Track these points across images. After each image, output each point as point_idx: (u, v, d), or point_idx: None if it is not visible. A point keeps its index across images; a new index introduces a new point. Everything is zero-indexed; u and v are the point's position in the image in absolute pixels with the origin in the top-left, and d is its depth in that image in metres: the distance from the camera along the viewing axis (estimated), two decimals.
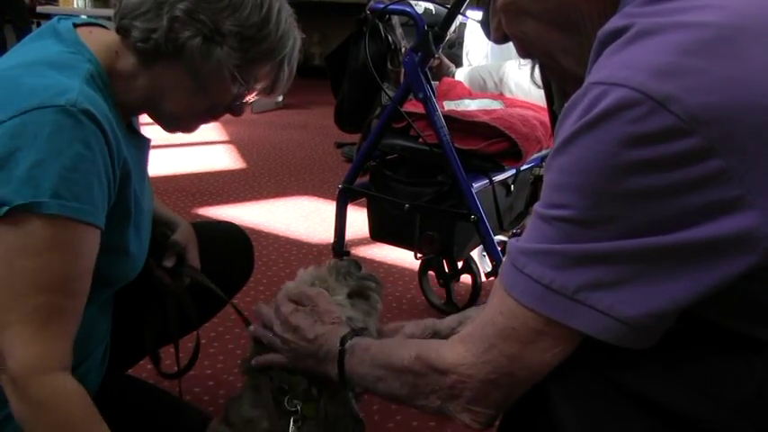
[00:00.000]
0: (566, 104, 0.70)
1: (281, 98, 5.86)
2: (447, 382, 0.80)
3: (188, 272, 1.33)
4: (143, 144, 1.18)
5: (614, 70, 0.65)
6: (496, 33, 0.86)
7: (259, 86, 1.12)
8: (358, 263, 1.23)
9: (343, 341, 0.98)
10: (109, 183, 0.99)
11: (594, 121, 0.65)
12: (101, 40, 1.06)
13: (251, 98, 1.14)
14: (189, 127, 1.15)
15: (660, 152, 0.62)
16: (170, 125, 1.15)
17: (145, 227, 1.17)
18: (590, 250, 0.67)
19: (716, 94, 0.61)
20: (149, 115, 1.14)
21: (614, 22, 0.70)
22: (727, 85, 0.62)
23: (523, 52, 0.86)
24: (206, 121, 1.15)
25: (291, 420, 1.10)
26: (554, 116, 1.85)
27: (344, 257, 1.22)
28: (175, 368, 1.42)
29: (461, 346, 0.80)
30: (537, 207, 0.72)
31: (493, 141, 1.85)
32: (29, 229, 0.92)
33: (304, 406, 1.11)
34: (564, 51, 0.80)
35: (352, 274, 1.20)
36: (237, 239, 1.54)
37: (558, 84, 1.05)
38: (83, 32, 1.06)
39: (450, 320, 1.16)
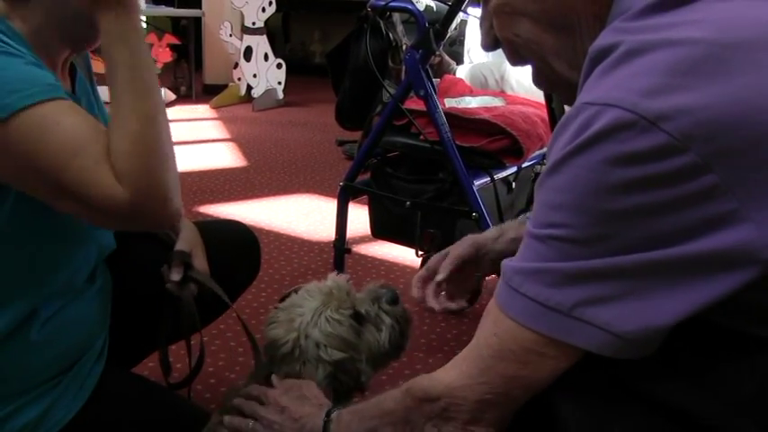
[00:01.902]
0: (558, 124, 0.70)
1: (281, 96, 5.87)
2: (442, 406, 0.80)
3: (197, 276, 1.31)
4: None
5: (606, 91, 0.65)
6: (487, 38, 0.85)
7: None
8: (397, 296, 1.21)
9: (328, 413, 0.99)
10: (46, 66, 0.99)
11: (588, 142, 0.65)
12: None
13: None
14: None
15: (654, 170, 0.62)
16: (91, 31, 1.06)
17: None
18: (586, 267, 0.67)
19: (707, 110, 0.61)
20: (72, 44, 1.10)
21: (604, 39, 0.70)
22: (719, 101, 0.62)
23: (514, 57, 0.84)
24: None
25: None
26: (553, 114, 1.85)
27: (385, 285, 1.21)
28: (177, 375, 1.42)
29: (455, 370, 0.80)
30: (530, 227, 0.72)
31: (494, 138, 1.84)
32: (12, 135, 0.91)
33: None
34: (556, 54, 0.80)
35: (379, 300, 1.18)
36: (245, 239, 1.53)
37: (550, 90, 1.05)
38: None
39: (489, 232, 1.20)
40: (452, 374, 0.80)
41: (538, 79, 0.87)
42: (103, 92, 1.29)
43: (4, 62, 0.93)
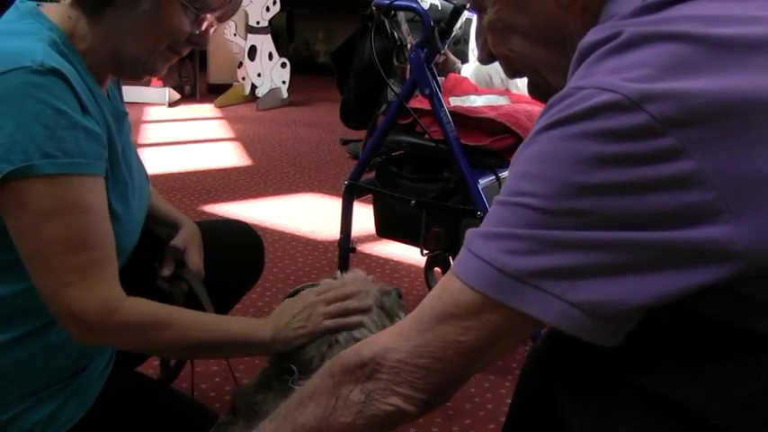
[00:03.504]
0: (545, 105, 0.70)
1: (286, 95, 5.87)
2: (373, 367, 0.75)
3: (187, 276, 1.32)
4: (120, 114, 1.17)
5: (595, 77, 0.65)
6: (482, 53, 0.86)
7: (211, 12, 1.10)
8: (400, 294, 1.26)
9: None
10: (94, 130, 1.01)
11: (569, 118, 0.64)
12: (58, 9, 1.07)
13: (208, 26, 1.12)
14: (155, 68, 1.13)
15: (631, 149, 0.62)
16: (137, 71, 1.13)
17: (133, 193, 1.17)
18: (549, 237, 0.65)
19: (693, 97, 0.61)
20: (116, 71, 1.14)
21: (595, 35, 0.70)
22: (705, 90, 0.62)
23: (510, 71, 0.86)
24: (171, 58, 1.13)
25: None
26: None
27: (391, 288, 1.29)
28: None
29: (392, 332, 0.77)
30: (498, 196, 0.71)
31: (499, 137, 1.84)
32: (32, 196, 0.95)
33: None
34: (550, 67, 0.80)
35: (390, 295, 1.23)
36: (248, 239, 1.53)
37: (544, 101, 1.07)
38: (44, 7, 1.07)
39: None
40: (389, 336, 0.77)
41: (533, 91, 0.88)
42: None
43: (64, 123, 0.96)
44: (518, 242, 0.67)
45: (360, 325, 1.17)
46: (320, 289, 1.21)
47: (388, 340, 0.76)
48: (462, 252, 0.72)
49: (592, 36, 0.70)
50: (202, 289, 1.31)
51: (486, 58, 0.87)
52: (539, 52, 0.80)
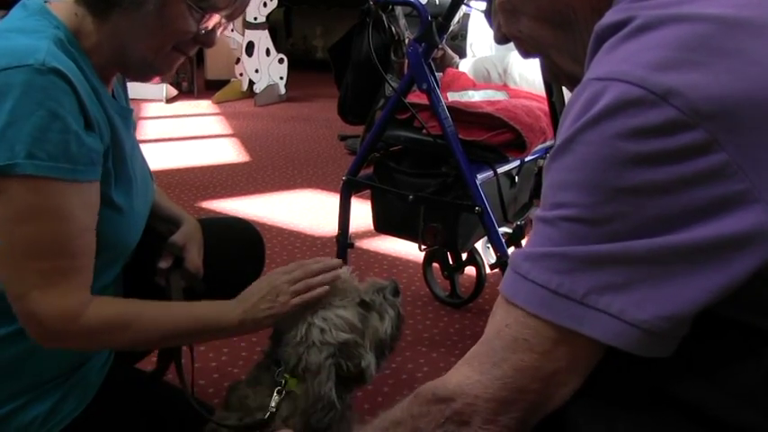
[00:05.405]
0: (566, 104, 0.70)
1: (283, 91, 5.86)
2: (453, 407, 0.74)
3: (184, 275, 1.32)
4: (126, 112, 1.17)
5: (613, 65, 0.65)
6: (498, 34, 0.88)
7: (217, 12, 1.09)
8: (399, 288, 1.25)
9: None
10: (86, 136, 0.99)
11: (595, 118, 0.64)
12: (64, 7, 1.07)
13: (214, 24, 1.11)
14: (162, 68, 1.12)
15: (663, 145, 0.61)
16: (144, 72, 1.12)
17: (137, 190, 1.17)
18: (597, 251, 0.65)
19: (717, 87, 0.61)
20: (123, 71, 1.14)
21: (612, 16, 0.70)
22: (729, 78, 0.61)
23: (523, 51, 0.87)
24: (177, 58, 1.13)
25: (276, 390, 1.15)
26: (553, 108, 1.84)
27: (386, 278, 1.29)
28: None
29: (466, 367, 0.75)
30: (538, 212, 0.70)
31: (497, 132, 1.84)
32: (10, 194, 0.94)
33: (290, 380, 1.15)
34: (557, 49, 0.81)
35: (382, 292, 1.23)
36: (249, 236, 1.53)
37: (554, 82, 1.07)
38: (51, 4, 1.07)
39: None
40: (464, 372, 0.74)
41: (545, 72, 0.88)
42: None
43: (59, 130, 0.95)
44: (567, 261, 0.66)
45: (324, 295, 1.16)
46: (287, 268, 1.21)
47: (462, 377, 0.74)
48: (510, 275, 0.71)
49: (608, 18, 0.70)
50: (180, 295, 1.31)
51: (500, 39, 0.87)
52: (545, 35, 0.80)
